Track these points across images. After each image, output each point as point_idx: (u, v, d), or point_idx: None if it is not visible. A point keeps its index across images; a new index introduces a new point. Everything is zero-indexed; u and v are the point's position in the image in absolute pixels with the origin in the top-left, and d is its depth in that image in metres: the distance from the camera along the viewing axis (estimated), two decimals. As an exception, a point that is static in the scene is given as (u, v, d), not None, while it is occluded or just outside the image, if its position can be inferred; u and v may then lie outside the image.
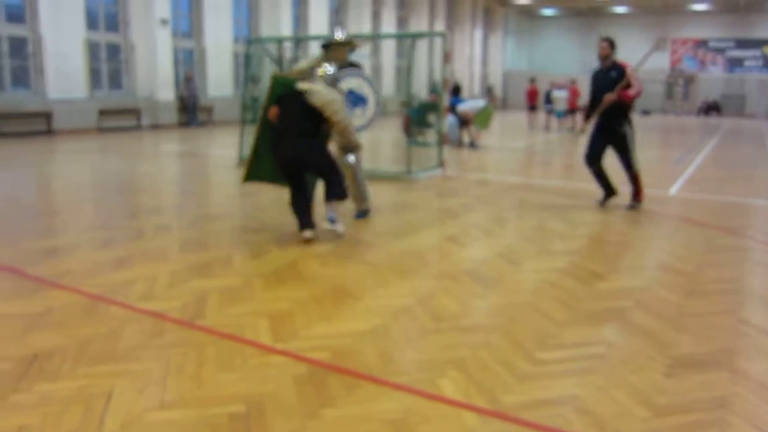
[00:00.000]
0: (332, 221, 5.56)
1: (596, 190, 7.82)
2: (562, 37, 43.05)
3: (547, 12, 42.70)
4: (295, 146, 5.44)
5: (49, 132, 15.23)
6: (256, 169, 5.93)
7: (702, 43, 39.04)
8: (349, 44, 6.32)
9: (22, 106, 14.96)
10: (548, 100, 21.76)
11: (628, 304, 4.16)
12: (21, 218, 6.40)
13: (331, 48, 6.12)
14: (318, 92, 5.42)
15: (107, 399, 2.78)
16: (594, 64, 7.81)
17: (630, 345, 3.50)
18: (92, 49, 16.60)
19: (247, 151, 10.06)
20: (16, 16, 15.21)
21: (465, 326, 3.73)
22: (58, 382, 2.93)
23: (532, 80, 22.95)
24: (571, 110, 21.39)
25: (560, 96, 21.20)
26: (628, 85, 6.93)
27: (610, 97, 6.94)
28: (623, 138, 7.16)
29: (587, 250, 5.70)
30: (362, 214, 6.59)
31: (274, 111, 5.56)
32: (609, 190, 7.50)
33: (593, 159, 7.38)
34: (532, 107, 22.35)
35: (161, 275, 4.56)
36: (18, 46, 15.22)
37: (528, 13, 43.34)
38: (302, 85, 5.53)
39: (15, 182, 8.74)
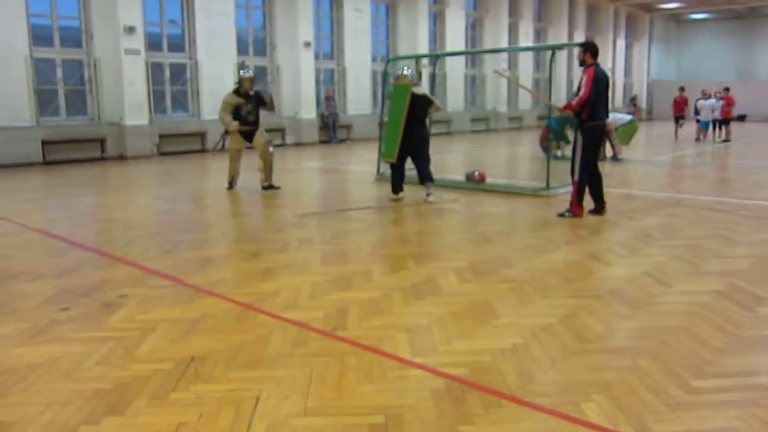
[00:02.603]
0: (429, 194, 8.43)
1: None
2: (714, 42, 40.13)
3: (698, 16, 40.05)
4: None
5: (204, 151, 16.43)
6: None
7: None
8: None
9: (181, 127, 16.30)
10: (698, 110, 20.39)
11: (798, 331, 3.77)
12: (180, 231, 6.93)
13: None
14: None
15: (255, 403, 2.92)
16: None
17: (801, 377, 3.17)
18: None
19: (385, 167, 10.48)
20: (176, 45, 16.63)
21: (610, 348, 3.55)
22: (212, 384, 3.12)
23: (682, 89, 21.60)
24: (725, 120, 19.91)
25: (707, 105, 19.79)
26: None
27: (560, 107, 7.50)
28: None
29: (747, 271, 5.22)
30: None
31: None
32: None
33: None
34: (680, 117, 20.96)
35: (305, 286, 4.74)
36: (178, 73, 16.61)
37: (675, 18, 40.92)
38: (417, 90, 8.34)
39: (174, 197, 9.50)
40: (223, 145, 9.75)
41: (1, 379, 3.19)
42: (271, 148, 9.41)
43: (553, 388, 3.06)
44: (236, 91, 9.30)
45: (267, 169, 9.45)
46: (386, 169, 11.08)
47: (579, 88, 7.02)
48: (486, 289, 4.68)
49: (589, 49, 7.08)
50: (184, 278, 4.97)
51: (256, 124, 9.38)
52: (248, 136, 9.38)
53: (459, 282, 4.86)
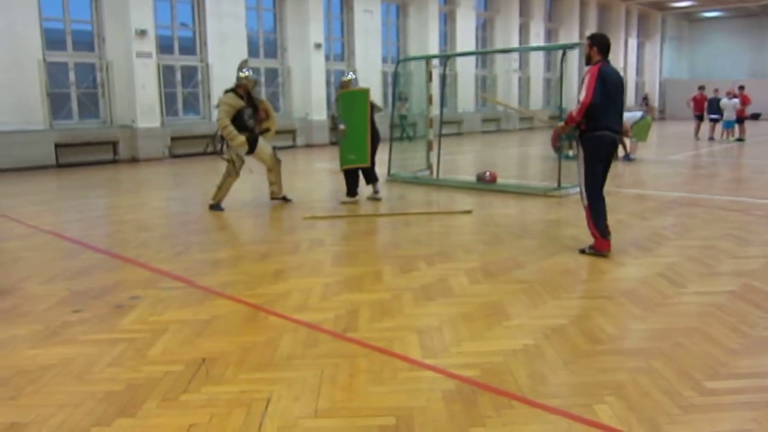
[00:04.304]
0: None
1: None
2: (727, 40, 39.76)
3: (710, 14, 39.73)
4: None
5: (215, 152, 16.46)
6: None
7: None
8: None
9: (191, 130, 16.36)
10: (712, 109, 20.21)
11: (814, 332, 3.73)
12: (191, 232, 6.95)
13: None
14: None
15: (266, 404, 2.92)
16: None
17: (817, 378, 3.13)
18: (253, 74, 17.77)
19: (396, 168, 10.39)
20: (188, 48, 16.71)
21: (623, 349, 3.52)
22: (223, 386, 3.13)
23: (701, 87, 21.40)
24: (739, 119, 19.74)
25: (730, 104, 19.61)
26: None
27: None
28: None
29: (762, 271, 5.15)
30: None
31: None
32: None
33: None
34: (700, 116, 20.79)
35: (315, 288, 4.74)
36: (189, 75, 16.69)
37: (687, 16, 40.61)
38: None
39: (185, 200, 9.53)
40: (222, 149, 8.41)
41: (15, 380, 3.21)
42: (278, 157, 8.64)
43: (564, 390, 3.04)
44: (235, 93, 8.28)
45: (278, 180, 8.62)
46: (398, 171, 11.09)
47: (579, 92, 5.56)
48: (497, 290, 4.66)
49: (597, 43, 5.64)
50: (195, 280, 4.98)
51: (254, 130, 8.32)
52: (249, 145, 8.21)
53: (470, 283, 4.84)
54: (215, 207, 8.24)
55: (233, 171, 8.23)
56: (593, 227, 5.66)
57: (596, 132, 5.53)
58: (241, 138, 7.99)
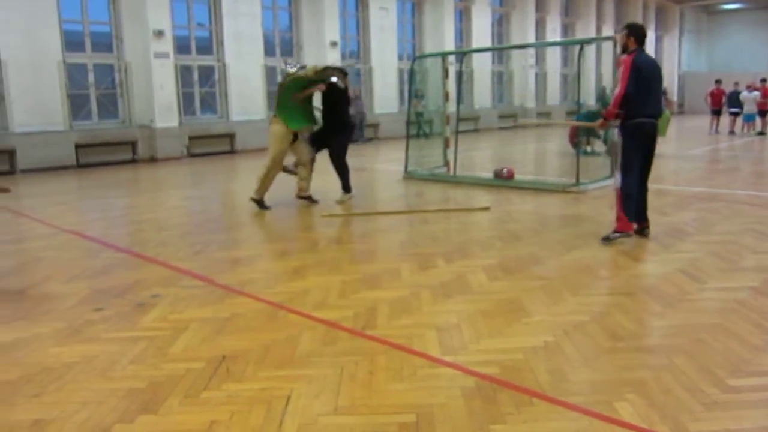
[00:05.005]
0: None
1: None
2: (746, 33, 39.18)
3: (729, 6, 39.19)
4: None
5: (232, 152, 16.59)
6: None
7: None
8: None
9: (209, 129, 16.48)
10: (732, 102, 19.96)
11: (840, 328, 3.67)
12: (210, 231, 7.00)
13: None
14: None
15: (286, 401, 2.94)
16: None
17: (843, 375, 3.08)
18: (268, 73, 17.87)
19: (413, 165, 10.29)
20: (204, 48, 16.81)
21: (644, 346, 3.50)
22: (243, 383, 3.15)
23: (718, 81, 21.13)
24: (761, 112, 19.47)
25: (751, 98, 19.35)
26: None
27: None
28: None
29: (785, 266, 5.11)
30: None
31: None
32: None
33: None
34: (717, 111, 20.53)
35: (334, 285, 4.75)
36: (206, 75, 16.80)
37: (706, 9, 40.11)
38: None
39: (203, 198, 9.60)
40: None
41: (39, 377, 3.26)
42: (313, 155, 8.43)
43: (585, 387, 3.02)
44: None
45: (309, 177, 8.37)
46: (415, 168, 11.07)
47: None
48: (516, 286, 4.65)
49: (633, 32, 5.79)
50: (215, 278, 5.02)
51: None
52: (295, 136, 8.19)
53: (489, 280, 4.83)
54: (259, 204, 8.09)
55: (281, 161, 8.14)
56: (620, 208, 5.86)
57: (634, 120, 5.72)
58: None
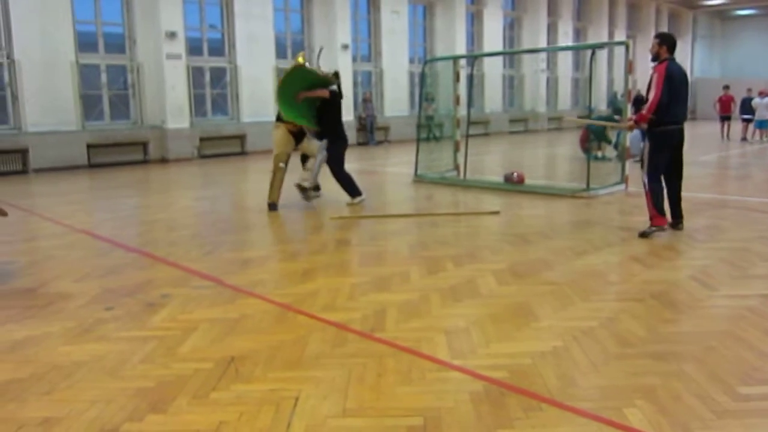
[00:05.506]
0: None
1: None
2: (760, 38, 38.89)
3: (743, 12, 38.94)
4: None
5: (243, 153, 16.65)
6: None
7: None
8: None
9: (220, 130, 16.55)
10: (744, 109, 19.82)
11: None
12: (220, 232, 7.02)
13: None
14: None
15: (294, 403, 2.94)
16: None
17: None
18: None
19: (423, 168, 10.25)
20: (216, 49, 16.89)
21: (654, 353, 3.47)
22: (252, 384, 3.15)
23: (726, 87, 21.01)
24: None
25: (762, 104, 19.21)
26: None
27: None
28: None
29: (797, 274, 5.07)
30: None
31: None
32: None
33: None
34: (726, 117, 20.40)
35: (343, 287, 4.76)
36: (218, 76, 16.87)
37: (719, 14, 39.88)
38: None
39: (214, 199, 9.63)
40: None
41: (49, 376, 3.28)
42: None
43: (594, 393, 3.01)
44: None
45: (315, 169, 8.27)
46: (425, 172, 11.07)
47: (649, 89, 6.13)
48: (525, 291, 4.63)
49: (666, 42, 6.22)
50: (225, 279, 5.04)
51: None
52: (298, 136, 8.18)
53: (498, 284, 4.82)
54: (270, 206, 8.16)
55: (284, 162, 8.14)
56: (652, 207, 6.28)
57: (662, 126, 6.13)
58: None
